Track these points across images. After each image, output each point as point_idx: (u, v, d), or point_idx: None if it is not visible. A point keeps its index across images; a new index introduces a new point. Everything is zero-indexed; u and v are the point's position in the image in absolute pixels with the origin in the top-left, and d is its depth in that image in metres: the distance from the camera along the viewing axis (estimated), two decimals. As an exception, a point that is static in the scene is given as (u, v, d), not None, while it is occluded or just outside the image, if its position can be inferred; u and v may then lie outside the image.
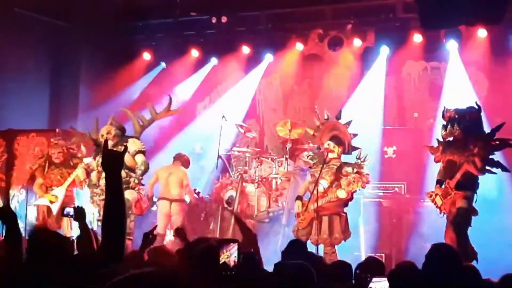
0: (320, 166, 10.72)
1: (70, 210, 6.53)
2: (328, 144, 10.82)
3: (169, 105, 11.28)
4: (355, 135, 11.16)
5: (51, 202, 12.16)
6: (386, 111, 14.87)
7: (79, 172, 12.12)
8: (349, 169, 10.70)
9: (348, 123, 11.14)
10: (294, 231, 10.97)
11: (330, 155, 10.79)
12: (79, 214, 6.10)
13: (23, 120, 14.25)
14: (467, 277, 5.44)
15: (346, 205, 10.81)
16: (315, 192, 10.56)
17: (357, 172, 10.64)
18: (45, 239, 4.28)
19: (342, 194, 10.57)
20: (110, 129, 10.99)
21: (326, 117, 11.18)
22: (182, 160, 13.33)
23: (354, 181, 10.52)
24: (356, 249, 12.28)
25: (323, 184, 10.67)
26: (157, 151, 14.96)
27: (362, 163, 10.77)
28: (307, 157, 11.41)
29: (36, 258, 4.14)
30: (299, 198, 11.00)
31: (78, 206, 6.35)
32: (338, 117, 11.17)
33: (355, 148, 11.03)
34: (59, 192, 12.20)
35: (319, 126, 11.09)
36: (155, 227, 5.68)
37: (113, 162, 3.90)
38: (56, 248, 4.17)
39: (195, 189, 14.01)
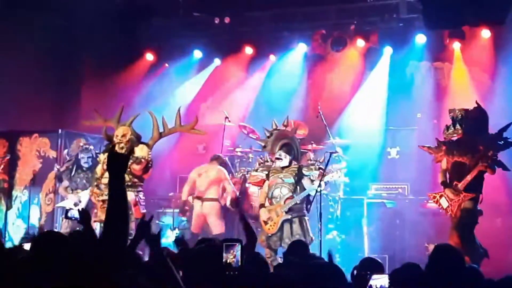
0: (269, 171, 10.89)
1: (74, 212, 6.49)
2: (279, 154, 10.85)
3: (194, 123, 11.22)
4: (302, 139, 11.51)
5: (75, 205, 12.14)
6: (390, 111, 14.84)
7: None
8: (309, 169, 10.77)
9: (294, 130, 11.29)
10: (262, 241, 10.83)
11: (278, 163, 10.83)
12: (84, 217, 6.04)
13: (26, 120, 14.24)
14: (470, 279, 5.42)
15: (307, 208, 10.83)
16: (282, 196, 10.69)
17: (319, 169, 10.69)
18: (49, 240, 4.28)
19: (320, 185, 10.61)
20: (127, 132, 10.91)
21: (274, 126, 11.16)
22: (219, 161, 13.14)
23: (325, 175, 10.63)
24: (359, 250, 12.27)
25: (288, 187, 10.71)
26: (161, 152, 14.94)
27: (317, 162, 10.85)
28: (256, 170, 11.43)
29: (39, 257, 4.13)
30: (262, 206, 10.97)
31: (83, 209, 6.30)
32: (286, 124, 11.18)
33: (303, 153, 11.24)
34: (84, 196, 12.19)
35: (269, 137, 11.09)
36: (151, 217, 5.53)
37: (117, 165, 3.89)
38: (59, 247, 4.16)
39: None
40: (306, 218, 10.73)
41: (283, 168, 10.82)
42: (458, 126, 10.16)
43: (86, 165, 12.40)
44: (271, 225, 10.68)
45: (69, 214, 6.89)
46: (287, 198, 10.63)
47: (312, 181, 10.63)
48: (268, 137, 11.04)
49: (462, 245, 9.58)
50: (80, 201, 12.16)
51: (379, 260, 6.13)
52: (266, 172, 11.06)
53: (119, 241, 3.86)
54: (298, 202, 10.63)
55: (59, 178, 12.88)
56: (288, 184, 10.72)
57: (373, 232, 12.73)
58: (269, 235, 10.67)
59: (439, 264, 5.26)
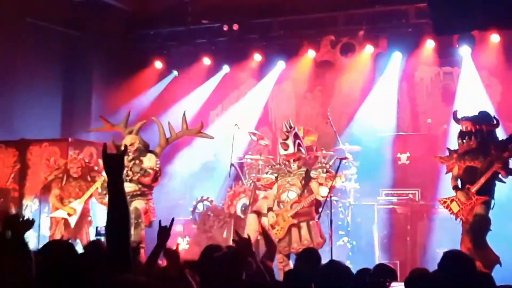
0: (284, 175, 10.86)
1: (102, 229, 6.51)
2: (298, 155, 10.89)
3: (201, 127, 11.24)
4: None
5: (69, 214, 12.17)
6: (399, 117, 14.83)
7: (99, 186, 12.11)
8: (318, 172, 10.74)
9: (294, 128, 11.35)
10: None
11: (294, 165, 10.82)
12: None
13: (36, 129, 14.26)
14: (481, 284, 5.38)
15: (317, 211, 10.79)
16: (284, 201, 10.72)
17: (327, 172, 10.67)
18: (57, 251, 4.27)
19: (324, 191, 10.53)
20: (135, 140, 10.95)
21: (285, 129, 11.12)
22: None
23: (336, 177, 10.55)
24: (370, 256, 12.23)
25: (295, 191, 10.67)
26: (171, 159, 14.95)
27: (326, 164, 10.81)
28: (266, 173, 11.44)
29: (47, 269, 4.12)
30: (270, 209, 10.94)
31: None
32: (291, 126, 11.17)
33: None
34: (77, 205, 12.22)
35: (286, 139, 11.01)
36: (172, 222, 5.49)
37: (114, 165, 3.91)
38: (67, 259, 4.15)
39: (207, 197, 13.98)
40: (315, 221, 10.70)
41: (292, 171, 10.81)
42: (474, 139, 10.08)
43: (75, 175, 12.43)
44: (278, 230, 10.65)
45: (98, 230, 6.89)
46: (294, 203, 10.61)
47: (320, 184, 10.60)
48: (285, 139, 10.99)
49: (474, 251, 9.54)
50: (75, 210, 12.18)
51: (392, 267, 6.10)
52: (276, 175, 11.04)
53: (121, 241, 3.84)
54: (305, 206, 10.60)
55: (47, 187, 12.88)
56: (295, 188, 10.70)
57: (384, 238, 12.70)
58: (277, 240, 10.65)
59: (448, 270, 5.23)
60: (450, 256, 5.34)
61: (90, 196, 12.27)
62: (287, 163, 10.89)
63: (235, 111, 15.84)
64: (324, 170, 10.78)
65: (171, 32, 16.06)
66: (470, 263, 5.38)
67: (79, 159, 12.58)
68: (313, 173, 10.75)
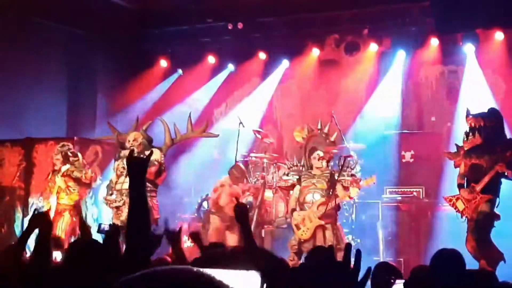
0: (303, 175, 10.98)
1: (105, 226, 6.55)
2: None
3: (206, 127, 11.28)
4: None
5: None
6: (404, 115, 14.84)
7: (59, 184, 12.08)
8: (342, 175, 10.80)
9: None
10: (293, 245, 10.85)
11: (317, 164, 10.92)
12: (114, 232, 6.15)
13: (42, 128, 14.31)
14: (484, 282, 5.40)
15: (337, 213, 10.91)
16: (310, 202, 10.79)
17: (351, 175, 10.74)
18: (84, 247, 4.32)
19: (354, 192, 10.63)
20: (138, 136, 11.02)
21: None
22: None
23: (367, 179, 10.67)
24: (375, 254, 12.25)
25: (321, 192, 10.73)
26: (175, 157, 14.97)
27: (348, 168, 10.90)
28: (285, 174, 11.54)
29: (73, 265, 4.16)
30: (293, 211, 10.99)
31: (113, 224, 6.36)
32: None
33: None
34: (52, 200, 12.19)
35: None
36: (180, 229, 5.60)
37: (137, 169, 3.81)
38: (94, 255, 4.20)
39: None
40: (339, 223, 10.78)
41: (315, 173, 10.88)
42: (477, 134, 10.11)
43: (56, 167, 12.27)
44: (304, 231, 10.66)
45: (100, 228, 6.91)
46: (320, 204, 10.62)
47: (344, 187, 10.67)
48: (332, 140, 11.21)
49: (478, 248, 9.57)
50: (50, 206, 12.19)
51: (394, 265, 6.14)
52: (297, 177, 11.07)
53: (142, 248, 3.78)
54: (332, 207, 10.64)
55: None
56: (320, 190, 10.73)
57: (388, 236, 12.73)
58: (302, 240, 10.69)
59: (439, 269, 5.24)
60: (440, 255, 5.35)
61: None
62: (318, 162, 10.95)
63: (239, 110, 15.86)
64: (349, 174, 10.85)
65: (176, 31, 16.08)
66: (459, 260, 5.36)
67: (60, 151, 12.38)
68: (337, 176, 10.81)
